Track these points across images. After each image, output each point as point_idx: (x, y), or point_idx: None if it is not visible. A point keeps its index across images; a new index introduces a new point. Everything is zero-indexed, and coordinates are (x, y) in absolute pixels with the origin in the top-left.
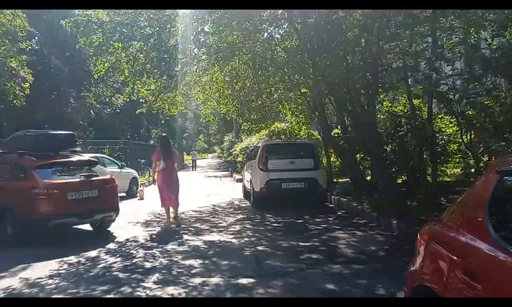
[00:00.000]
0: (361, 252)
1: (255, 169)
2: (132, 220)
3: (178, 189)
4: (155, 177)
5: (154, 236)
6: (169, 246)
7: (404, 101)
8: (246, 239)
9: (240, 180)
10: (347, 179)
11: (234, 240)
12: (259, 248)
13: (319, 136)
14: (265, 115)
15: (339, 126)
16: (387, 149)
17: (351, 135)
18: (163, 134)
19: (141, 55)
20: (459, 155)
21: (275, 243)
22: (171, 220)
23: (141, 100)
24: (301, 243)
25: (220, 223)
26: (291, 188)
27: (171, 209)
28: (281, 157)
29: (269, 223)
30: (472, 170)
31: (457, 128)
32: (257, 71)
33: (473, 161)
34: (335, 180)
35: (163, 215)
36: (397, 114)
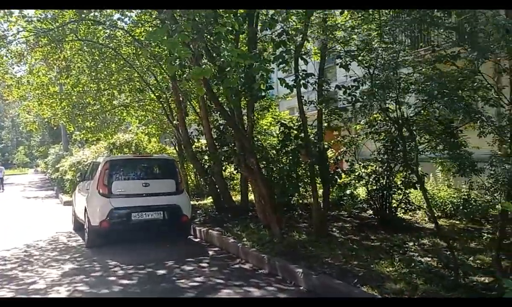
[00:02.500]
0: None
1: (93, 194)
2: None
3: None
4: None
5: None
6: None
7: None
8: None
9: (69, 203)
10: (208, 202)
11: None
12: None
13: (174, 151)
14: (105, 123)
15: (203, 139)
16: (273, 167)
17: (223, 150)
18: None
19: None
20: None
21: None
22: None
23: None
24: None
25: (34, 282)
26: (145, 220)
27: None
28: (130, 178)
29: (115, 278)
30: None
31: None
32: (96, 65)
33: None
34: (194, 203)
35: None
36: (288, 125)
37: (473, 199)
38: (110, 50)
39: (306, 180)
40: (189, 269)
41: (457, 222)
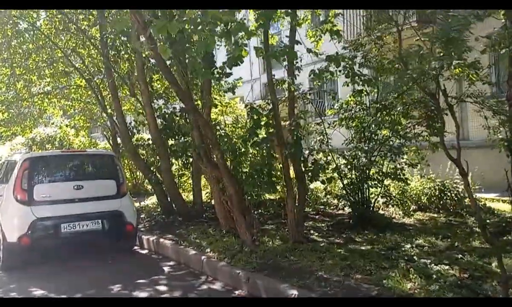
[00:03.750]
0: None
1: (9, 202)
2: None
3: None
4: None
5: None
6: None
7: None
8: None
9: None
10: (150, 203)
11: None
12: None
13: (106, 145)
14: (22, 114)
15: (144, 131)
16: (241, 162)
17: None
18: None
19: None
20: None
21: None
22: None
23: None
24: None
25: None
26: (78, 232)
27: None
28: (58, 179)
29: None
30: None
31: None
32: (9, 42)
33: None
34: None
35: None
36: (257, 110)
37: (447, 189)
38: (27, 24)
39: (278, 175)
40: (144, 296)
41: (435, 215)
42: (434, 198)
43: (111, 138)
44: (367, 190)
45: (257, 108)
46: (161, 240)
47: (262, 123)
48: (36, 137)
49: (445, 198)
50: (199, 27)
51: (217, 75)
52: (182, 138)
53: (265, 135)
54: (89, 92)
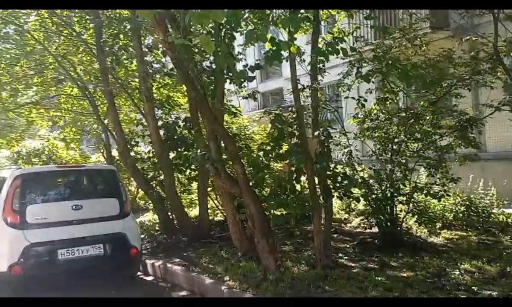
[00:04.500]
0: None
1: None
2: None
3: None
4: None
5: None
6: None
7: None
8: None
9: None
10: (146, 220)
11: None
12: None
13: (99, 159)
14: (7, 126)
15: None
16: (264, 177)
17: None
18: None
19: None
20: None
21: None
22: None
23: None
24: None
25: None
26: (77, 259)
27: None
28: (54, 198)
29: None
30: None
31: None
32: None
33: None
34: None
35: None
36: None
37: (473, 205)
38: (14, 27)
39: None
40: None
41: (463, 233)
42: (460, 214)
43: (104, 151)
44: (395, 206)
45: (281, 116)
46: (169, 265)
47: (286, 132)
48: (21, 151)
49: (472, 214)
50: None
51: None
52: (184, 150)
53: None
54: (81, 102)
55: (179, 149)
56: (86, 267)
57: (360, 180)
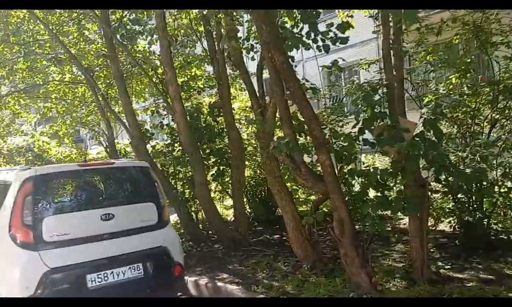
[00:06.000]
0: None
1: (2, 244)
2: None
3: None
4: None
5: None
6: None
7: None
8: None
9: None
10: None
11: None
12: None
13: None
14: None
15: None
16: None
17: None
18: None
19: None
20: None
21: None
22: None
23: None
24: None
25: None
26: (111, 285)
27: None
28: (77, 207)
29: None
30: None
31: None
32: None
33: None
34: None
35: None
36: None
37: None
38: None
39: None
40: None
41: None
42: None
43: (108, 146)
44: (481, 201)
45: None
46: (219, 284)
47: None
48: (2, 149)
49: None
50: None
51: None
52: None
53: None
54: (75, 90)
55: (213, 141)
56: (122, 295)
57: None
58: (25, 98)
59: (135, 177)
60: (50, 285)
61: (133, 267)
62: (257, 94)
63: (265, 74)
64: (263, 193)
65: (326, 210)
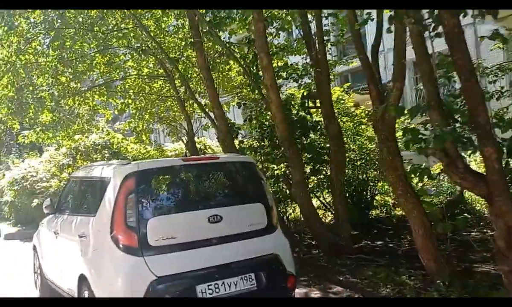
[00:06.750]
0: None
1: (102, 248)
2: None
3: None
4: None
5: None
6: None
7: None
8: None
9: (12, 237)
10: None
11: None
12: None
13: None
14: (66, 116)
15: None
16: None
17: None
18: None
19: None
20: None
21: None
22: None
23: None
24: None
25: None
26: (222, 298)
27: None
28: (183, 207)
29: None
30: None
31: None
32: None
33: None
34: None
35: None
36: None
37: None
38: None
39: None
40: None
41: None
42: None
43: (188, 142)
44: None
45: None
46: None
47: None
48: (79, 146)
49: None
50: None
51: None
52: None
53: None
54: (152, 85)
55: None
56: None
57: None
58: (104, 94)
59: (241, 174)
60: (156, 292)
61: (245, 278)
62: (375, 78)
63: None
64: (354, 193)
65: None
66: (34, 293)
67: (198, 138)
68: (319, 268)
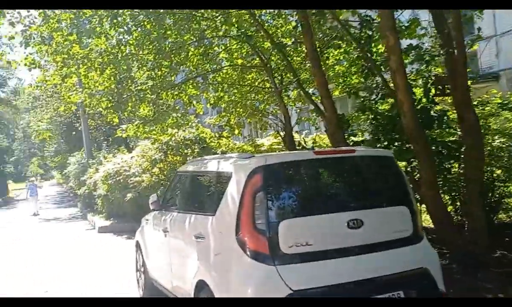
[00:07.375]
0: None
1: (226, 252)
2: None
3: None
4: None
5: None
6: None
7: None
8: None
9: (106, 230)
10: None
11: None
12: None
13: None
14: (162, 109)
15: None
16: None
17: None
18: None
19: None
20: None
21: None
22: None
23: None
24: None
25: None
26: None
27: None
28: (318, 209)
29: None
30: None
31: None
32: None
33: None
34: None
35: None
36: None
37: None
38: None
39: None
40: None
41: None
42: None
43: (285, 135)
44: None
45: None
46: None
47: None
48: (169, 141)
49: None
50: None
51: None
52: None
53: None
54: (248, 76)
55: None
56: None
57: None
58: (197, 87)
59: (380, 171)
60: None
61: (393, 296)
62: None
63: None
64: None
65: None
66: (135, 291)
67: (297, 132)
68: (457, 283)
